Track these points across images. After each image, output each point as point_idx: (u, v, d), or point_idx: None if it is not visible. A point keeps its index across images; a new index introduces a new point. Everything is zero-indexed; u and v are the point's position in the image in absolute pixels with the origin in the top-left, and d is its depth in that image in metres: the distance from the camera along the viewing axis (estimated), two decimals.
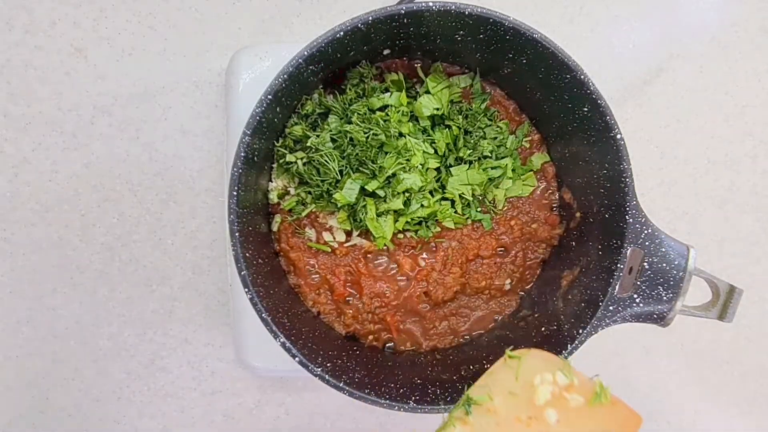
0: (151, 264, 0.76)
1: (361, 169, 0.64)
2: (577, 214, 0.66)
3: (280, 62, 0.55)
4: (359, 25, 0.54)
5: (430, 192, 0.66)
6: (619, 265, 0.57)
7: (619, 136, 0.56)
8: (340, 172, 0.64)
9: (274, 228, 0.67)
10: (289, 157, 0.64)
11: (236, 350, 0.73)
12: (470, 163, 0.67)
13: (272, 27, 0.77)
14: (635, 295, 0.57)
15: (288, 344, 0.55)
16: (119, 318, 0.76)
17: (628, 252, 0.57)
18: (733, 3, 0.83)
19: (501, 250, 0.70)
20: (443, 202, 0.67)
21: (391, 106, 0.65)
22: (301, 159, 0.65)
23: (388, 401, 0.56)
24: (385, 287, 0.68)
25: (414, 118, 0.66)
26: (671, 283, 0.56)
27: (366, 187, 0.64)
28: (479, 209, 0.69)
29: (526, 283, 0.71)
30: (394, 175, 0.64)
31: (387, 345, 0.69)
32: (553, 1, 0.80)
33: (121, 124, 0.76)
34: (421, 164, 0.64)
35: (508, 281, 0.70)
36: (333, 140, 0.64)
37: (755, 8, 0.83)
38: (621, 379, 0.83)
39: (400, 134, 0.64)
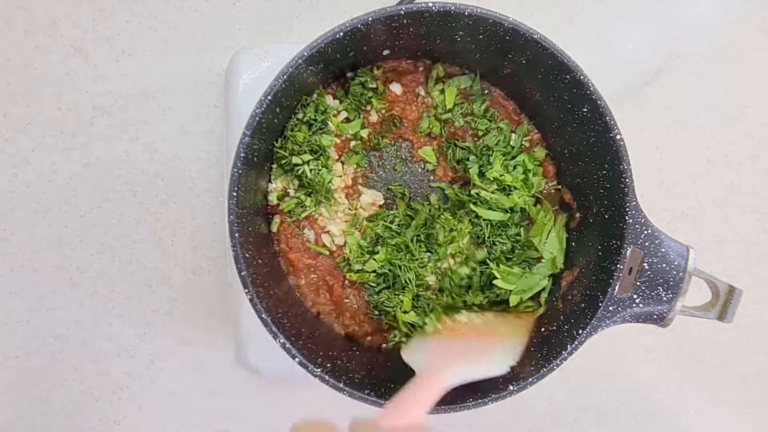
0: (151, 264, 0.76)
1: None
2: (577, 215, 0.66)
3: (280, 63, 0.55)
4: (359, 25, 0.54)
5: None
6: (618, 266, 0.57)
7: (618, 137, 0.56)
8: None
9: (274, 229, 0.67)
10: (296, 160, 0.64)
11: (236, 350, 0.73)
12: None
13: (272, 27, 0.77)
14: (635, 296, 0.57)
15: (288, 345, 0.55)
16: (119, 318, 0.76)
17: (628, 252, 0.57)
18: (733, 3, 0.83)
19: None
20: None
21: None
22: (308, 162, 0.64)
23: (387, 401, 0.56)
24: None
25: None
26: (671, 283, 0.56)
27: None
28: None
29: None
30: None
31: (385, 345, 0.69)
32: (552, 2, 0.80)
33: (121, 124, 0.76)
34: None
35: None
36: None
37: (755, 8, 0.83)
38: (621, 379, 0.83)
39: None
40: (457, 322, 0.62)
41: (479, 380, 0.54)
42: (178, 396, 0.78)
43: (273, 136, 0.63)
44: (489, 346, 0.56)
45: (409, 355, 0.58)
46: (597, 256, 0.61)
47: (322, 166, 0.64)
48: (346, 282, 0.68)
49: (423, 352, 0.57)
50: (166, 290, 0.77)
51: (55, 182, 0.75)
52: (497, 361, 0.54)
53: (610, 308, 0.57)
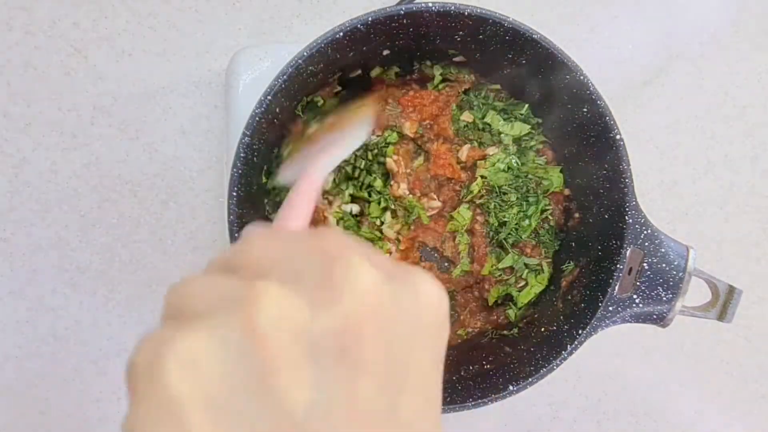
0: (151, 264, 0.76)
1: None
2: (576, 215, 0.66)
3: (280, 63, 0.55)
4: (359, 25, 0.54)
5: None
6: (618, 266, 0.57)
7: (618, 137, 0.56)
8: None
9: None
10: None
11: None
12: None
13: (272, 27, 0.77)
14: (635, 296, 0.57)
15: None
16: (119, 318, 0.76)
17: (628, 252, 0.57)
18: (733, 3, 0.83)
19: None
20: None
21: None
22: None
23: None
24: None
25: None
26: (671, 283, 0.56)
27: None
28: None
29: None
30: None
31: None
32: (552, 2, 0.80)
33: (121, 125, 0.76)
34: None
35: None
36: None
37: (755, 8, 0.83)
38: (621, 379, 0.83)
39: None
40: (311, 130, 0.62)
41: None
42: None
43: (273, 136, 0.63)
44: (346, 129, 0.55)
45: (281, 176, 0.56)
46: (597, 256, 0.61)
47: None
48: None
49: (290, 168, 0.54)
50: (166, 290, 0.77)
51: (55, 182, 0.75)
52: (357, 132, 0.53)
53: (610, 308, 0.57)
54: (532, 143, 0.68)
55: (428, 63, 0.66)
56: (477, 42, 0.60)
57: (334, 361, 0.22)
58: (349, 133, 0.53)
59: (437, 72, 0.66)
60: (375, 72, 0.66)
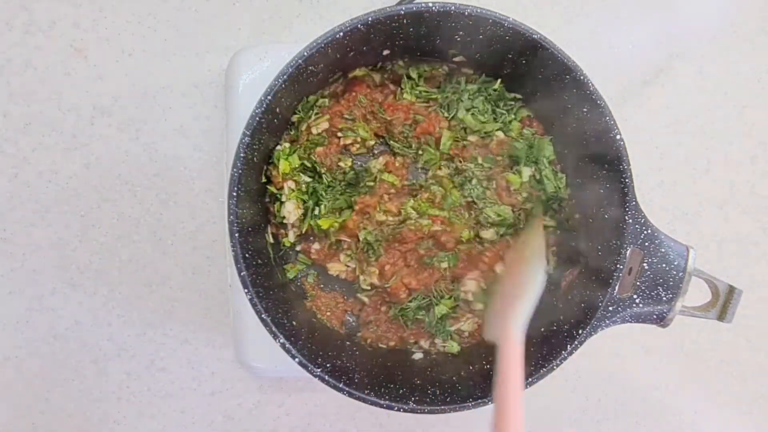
0: (150, 264, 0.76)
1: None
2: (576, 215, 0.66)
3: (279, 63, 0.55)
4: (359, 25, 0.54)
5: None
6: (618, 266, 0.57)
7: (618, 137, 0.56)
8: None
9: (291, 275, 0.67)
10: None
11: (236, 351, 0.73)
12: None
13: (272, 27, 0.77)
14: (635, 296, 0.57)
15: (288, 345, 0.56)
16: (119, 318, 0.76)
17: (628, 252, 0.57)
18: (733, 3, 0.83)
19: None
20: None
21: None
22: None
23: (388, 401, 0.56)
24: None
25: None
26: (671, 283, 0.56)
27: None
28: None
29: None
30: None
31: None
32: (552, 2, 0.80)
33: (121, 124, 0.76)
34: None
35: None
36: None
37: (755, 9, 0.83)
38: (621, 379, 0.83)
39: None
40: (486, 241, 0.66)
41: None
42: (178, 396, 0.78)
43: (273, 136, 0.63)
44: (522, 273, 0.59)
45: (486, 334, 0.63)
46: (597, 256, 0.61)
47: None
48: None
49: (490, 324, 0.61)
50: (166, 290, 0.77)
51: (55, 182, 0.75)
52: (535, 278, 0.57)
53: (610, 308, 0.57)
54: (512, 117, 0.67)
55: (401, 63, 0.66)
56: (477, 42, 0.60)
57: None
58: (527, 274, 0.57)
59: (414, 73, 0.66)
60: (357, 72, 0.66)
